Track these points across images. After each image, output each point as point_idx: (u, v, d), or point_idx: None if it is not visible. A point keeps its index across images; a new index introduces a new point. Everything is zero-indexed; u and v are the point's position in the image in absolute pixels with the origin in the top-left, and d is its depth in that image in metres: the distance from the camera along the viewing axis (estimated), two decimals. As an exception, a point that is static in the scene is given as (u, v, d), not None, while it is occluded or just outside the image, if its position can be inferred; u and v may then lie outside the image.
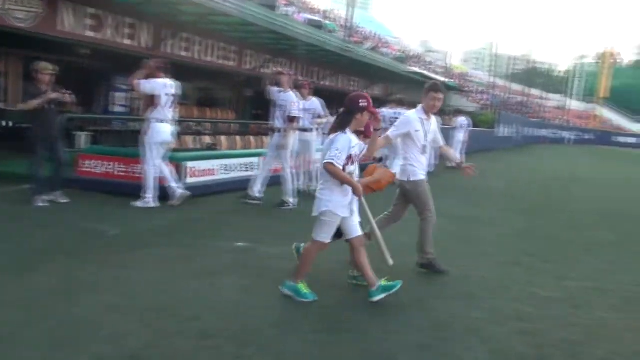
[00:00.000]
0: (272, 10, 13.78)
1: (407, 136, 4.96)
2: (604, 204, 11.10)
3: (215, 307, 3.83)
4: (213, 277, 4.46)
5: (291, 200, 7.77)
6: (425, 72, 28.30)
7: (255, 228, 6.48)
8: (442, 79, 30.84)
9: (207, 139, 13.91)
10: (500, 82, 45.56)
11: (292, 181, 7.86)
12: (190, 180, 7.96)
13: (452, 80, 35.75)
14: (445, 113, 17.18)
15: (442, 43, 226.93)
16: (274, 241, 5.76)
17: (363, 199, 4.13)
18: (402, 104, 12.86)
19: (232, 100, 19.15)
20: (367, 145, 4.19)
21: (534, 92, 54.68)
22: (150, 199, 7.04)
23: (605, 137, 51.61)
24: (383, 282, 4.06)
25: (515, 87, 48.25)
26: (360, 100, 3.99)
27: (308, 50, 15.25)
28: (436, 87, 5.05)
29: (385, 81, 22.80)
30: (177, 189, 7.28)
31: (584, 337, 3.78)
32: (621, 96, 57.70)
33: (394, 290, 4.03)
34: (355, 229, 4.07)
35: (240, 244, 5.60)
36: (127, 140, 11.23)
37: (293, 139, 7.92)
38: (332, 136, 3.93)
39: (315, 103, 8.87)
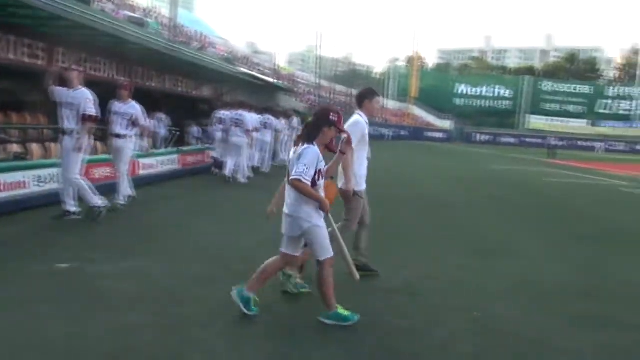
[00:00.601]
0: (87, 5, 12.58)
1: (359, 142, 4.80)
2: (419, 191, 12.16)
3: (36, 344, 3.28)
4: (30, 306, 3.85)
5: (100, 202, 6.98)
6: (255, 73, 28.46)
7: (81, 245, 5.78)
8: (271, 80, 31.32)
9: (15, 148, 12.24)
10: (325, 83, 47.79)
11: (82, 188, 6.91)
12: (-6, 195, 6.85)
13: (281, 82, 36.53)
14: (285, 115, 17.34)
15: (267, 44, 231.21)
16: (107, 258, 5.20)
17: (330, 215, 3.95)
18: (243, 106, 12.74)
19: (43, 104, 17.15)
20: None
21: (356, 92, 58.42)
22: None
23: (418, 132, 57.20)
24: (340, 310, 3.87)
25: (339, 87, 51.09)
26: (331, 114, 3.84)
27: (130, 49, 14.26)
28: (377, 92, 5.14)
29: (215, 82, 22.36)
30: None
31: (423, 324, 4.00)
32: (428, 96, 64.39)
33: (345, 323, 3.82)
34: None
35: (63, 265, 4.93)
36: None
37: (88, 141, 7.04)
38: (299, 149, 3.72)
39: (135, 107, 8.01)
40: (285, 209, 3.85)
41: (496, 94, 68.08)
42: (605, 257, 6.60)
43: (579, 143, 55.44)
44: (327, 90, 45.18)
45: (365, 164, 5.09)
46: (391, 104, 66.89)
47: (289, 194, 3.82)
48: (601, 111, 65.17)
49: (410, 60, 71.85)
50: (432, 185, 13.74)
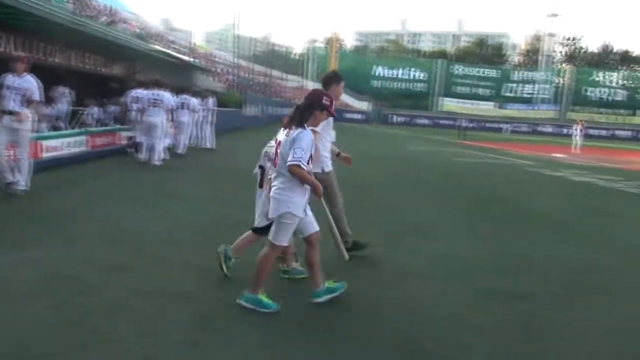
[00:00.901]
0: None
1: (325, 125, 4.72)
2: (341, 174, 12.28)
3: None
4: None
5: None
6: (170, 51, 27.34)
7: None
8: (187, 58, 30.25)
9: None
10: (243, 63, 46.88)
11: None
12: None
13: (198, 60, 35.39)
14: (201, 95, 16.74)
15: (184, 22, 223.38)
16: (7, 247, 4.81)
17: (323, 199, 3.88)
18: (158, 84, 12.16)
19: None
20: None
21: (275, 73, 57.86)
22: None
23: (337, 114, 57.63)
24: (328, 284, 3.94)
25: (258, 68, 50.28)
26: (324, 98, 3.80)
27: (30, 22, 13.16)
28: (342, 77, 5.25)
29: (127, 59, 21.23)
30: None
31: (342, 305, 4.01)
32: (347, 77, 64.58)
33: (338, 292, 3.94)
34: (313, 225, 3.89)
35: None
36: None
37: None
38: (292, 133, 3.60)
39: (30, 81, 7.16)
40: (271, 192, 3.73)
41: (411, 77, 70.05)
42: (512, 235, 6.98)
43: (488, 124, 58.44)
44: (245, 70, 44.35)
45: (329, 146, 5.23)
46: (310, 85, 66.95)
47: (276, 176, 3.72)
48: (507, 94, 68.92)
49: (329, 42, 72.18)
50: (350, 167, 13.90)
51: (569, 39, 78.80)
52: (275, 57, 64.77)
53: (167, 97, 11.84)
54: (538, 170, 16.50)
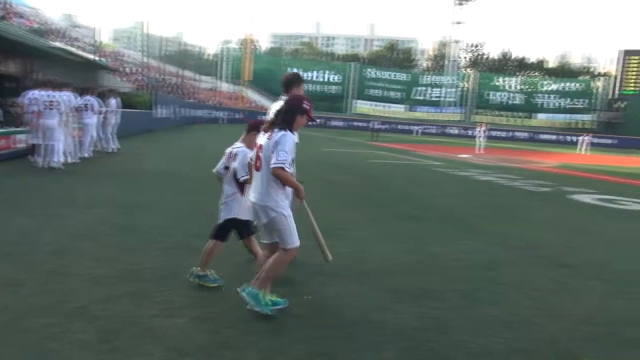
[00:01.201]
0: None
1: None
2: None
3: None
4: None
5: None
6: (73, 49, 25.82)
7: None
8: (91, 57, 28.73)
9: None
10: (154, 62, 45.29)
11: None
12: None
13: (104, 59, 33.72)
14: (104, 95, 15.81)
15: (89, 18, 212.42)
16: None
17: (305, 202, 3.84)
18: (54, 85, 11.36)
19: None
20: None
21: (188, 73, 56.43)
22: None
23: (252, 116, 57.18)
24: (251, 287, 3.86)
25: (170, 68, 48.80)
26: (305, 102, 3.82)
27: None
28: (302, 79, 5.29)
29: (23, 56, 19.79)
30: None
31: (256, 314, 3.91)
32: (262, 79, 64.83)
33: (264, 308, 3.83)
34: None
35: None
36: None
37: None
38: (274, 135, 3.62)
39: None
40: (251, 197, 3.77)
41: (326, 79, 71.02)
42: (422, 234, 7.20)
43: (399, 126, 60.50)
44: (156, 70, 42.85)
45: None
46: (225, 87, 66.06)
47: (258, 181, 3.73)
48: (417, 97, 71.71)
49: (243, 43, 71.45)
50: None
51: (472, 45, 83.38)
52: (188, 58, 63.23)
53: (66, 98, 11.15)
54: (446, 170, 17.25)
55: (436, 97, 71.98)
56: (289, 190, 3.78)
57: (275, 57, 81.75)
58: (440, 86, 72.30)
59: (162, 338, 3.36)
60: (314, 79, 70.61)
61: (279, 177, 3.59)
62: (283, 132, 3.65)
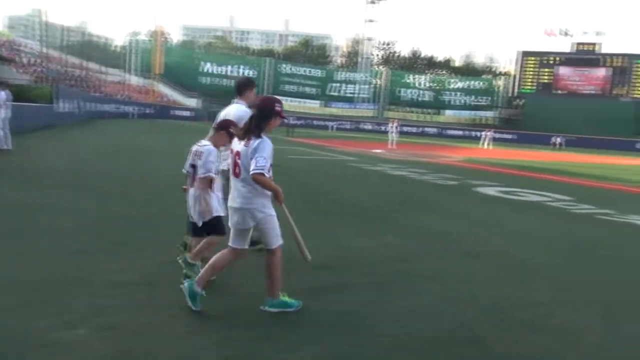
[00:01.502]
0: None
1: None
2: (173, 173, 11.71)
3: None
4: None
5: None
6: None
7: None
8: (-18, 45, 26.42)
9: None
10: (54, 53, 42.49)
11: None
12: None
13: (-3, 49, 31.15)
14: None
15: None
16: None
17: (283, 204, 3.95)
18: None
19: None
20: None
21: (93, 65, 53.47)
22: None
23: (164, 110, 55.58)
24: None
25: (72, 59, 45.92)
26: (276, 104, 3.91)
27: None
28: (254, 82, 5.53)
29: None
30: None
31: (167, 319, 3.72)
32: (174, 73, 62.90)
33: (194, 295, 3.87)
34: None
35: None
36: None
37: None
38: (251, 143, 3.71)
39: None
40: (234, 203, 3.85)
41: (241, 74, 70.19)
42: (336, 228, 7.25)
43: (315, 122, 61.06)
44: (57, 62, 40.20)
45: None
46: (134, 80, 63.38)
47: (239, 186, 3.82)
48: (332, 93, 72.77)
49: (153, 35, 68.82)
50: (173, 166, 13.37)
51: (384, 43, 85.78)
52: (93, 49, 59.91)
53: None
54: (360, 165, 17.58)
55: (350, 93, 73.39)
56: (269, 193, 3.87)
57: (188, 51, 79.71)
58: (354, 83, 73.79)
59: (56, 353, 3.08)
60: (229, 73, 69.62)
61: (258, 182, 3.72)
62: (261, 139, 3.75)
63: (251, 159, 3.68)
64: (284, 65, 73.01)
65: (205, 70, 69.10)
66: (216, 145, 4.39)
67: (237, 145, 3.85)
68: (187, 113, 58.10)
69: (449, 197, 11.36)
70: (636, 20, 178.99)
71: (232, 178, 3.90)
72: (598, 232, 8.33)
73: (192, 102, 61.74)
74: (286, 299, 3.98)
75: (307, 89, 72.00)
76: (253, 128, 3.79)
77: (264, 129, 3.81)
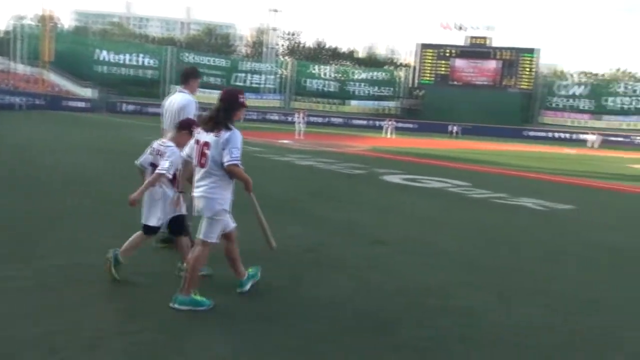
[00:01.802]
0: None
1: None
2: (69, 169, 10.96)
3: None
4: None
5: None
6: None
7: None
8: None
9: None
10: None
11: None
12: None
13: None
14: None
15: None
16: None
17: (252, 194, 4.11)
18: None
19: None
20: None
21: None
22: None
23: (56, 101, 51.81)
24: (249, 271, 4.34)
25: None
26: (240, 96, 4.00)
27: None
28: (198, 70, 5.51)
29: None
30: None
31: (70, 325, 3.47)
32: (65, 61, 58.79)
33: (258, 276, 4.41)
34: (231, 221, 4.17)
35: None
36: None
37: None
38: (222, 134, 3.78)
39: None
40: (198, 192, 3.87)
41: (140, 63, 67.19)
42: (243, 222, 7.11)
43: (220, 113, 59.84)
44: None
45: None
46: (20, 68, 58.49)
47: (204, 176, 3.85)
48: (237, 84, 71.56)
49: (41, 20, 63.82)
50: (75, 161, 12.57)
51: (289, 33, 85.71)
52: (-30, 34, 54.53)
53: None
54: (267, 156, 17.49)
55: (256, 83, 72.72)
56: (232, 185, 3.97)
57: (82, 37, 74.69)
58: (259, 73, 73.17)
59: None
60: (127, 62, 66.30)
61: (233, 172, 3.83)
62: (231, 130, 3.82)
63: (223, 149, 3.77)
64: (186, 54, 70.71)
65: (101, 59, 65.22)
66: (179, 145, 4.31)
67: (205, 136, 3.85)
68: (82, 104, 54.56)
69: (356, 186, 11.61)
70: (523, 16, 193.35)
71: (196, 169, 3.92)
72: (494, 216, 8.89)
73: (88, 92, 58.01)
74: (197, 297, 3.87)
75: (212, 79, 70.14)
76: (222, 120, 3.84)
77: (231, 119, 3.88)
